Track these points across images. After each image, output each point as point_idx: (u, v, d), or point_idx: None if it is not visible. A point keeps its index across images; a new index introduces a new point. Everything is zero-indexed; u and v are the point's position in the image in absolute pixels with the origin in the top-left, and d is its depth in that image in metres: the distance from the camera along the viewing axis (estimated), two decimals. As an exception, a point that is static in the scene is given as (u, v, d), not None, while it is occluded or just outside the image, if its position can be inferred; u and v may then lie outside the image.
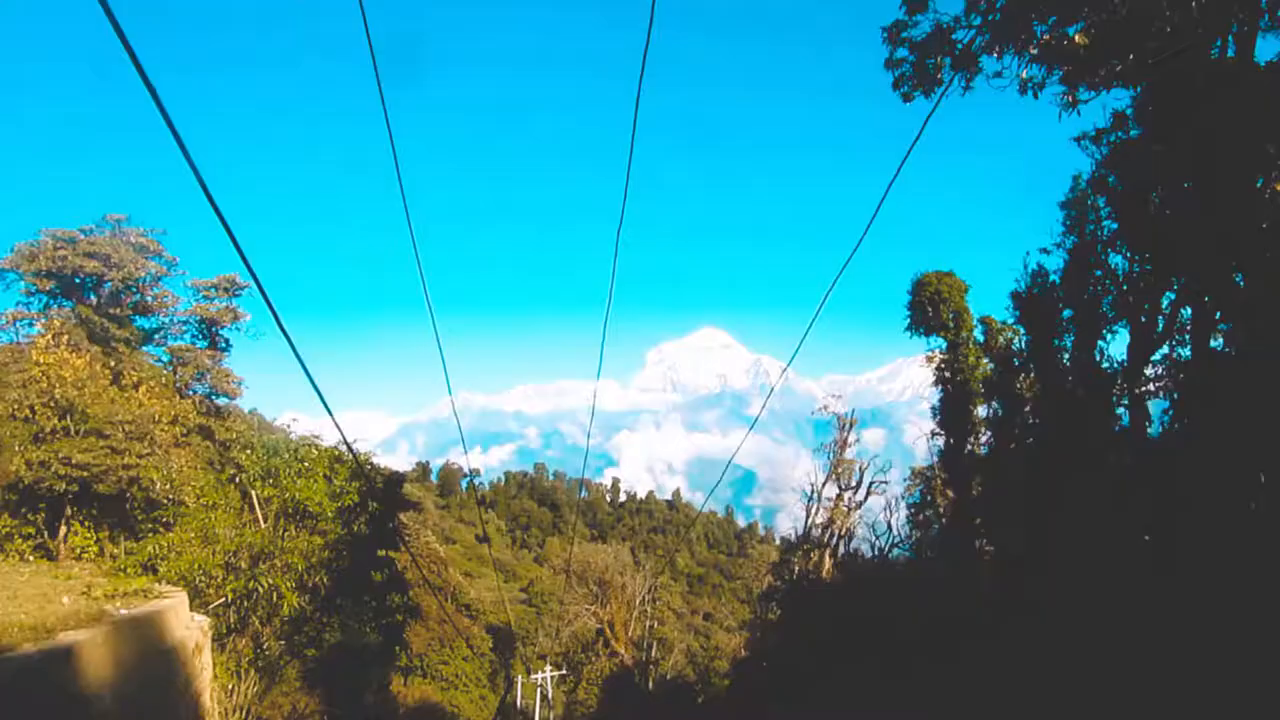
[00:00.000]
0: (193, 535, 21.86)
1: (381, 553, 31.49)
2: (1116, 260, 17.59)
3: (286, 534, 25.99)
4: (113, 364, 25.71)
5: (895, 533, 28.92)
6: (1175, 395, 15.97)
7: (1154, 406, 16.85)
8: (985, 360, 23.71)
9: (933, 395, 25.20)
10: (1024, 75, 14.06)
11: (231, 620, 22.32)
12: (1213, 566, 12.97)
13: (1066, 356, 18.62)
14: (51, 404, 19.54)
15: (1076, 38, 13.31)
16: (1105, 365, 17.77)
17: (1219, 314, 14.95)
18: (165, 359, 33.89)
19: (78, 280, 30.37)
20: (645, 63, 8.41)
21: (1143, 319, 16.88)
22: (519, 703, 51.71)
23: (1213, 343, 15.19)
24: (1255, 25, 12.91)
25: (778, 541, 62.36)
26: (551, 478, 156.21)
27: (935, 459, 25.65)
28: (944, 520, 25.64)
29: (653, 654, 50.46)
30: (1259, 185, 13.35)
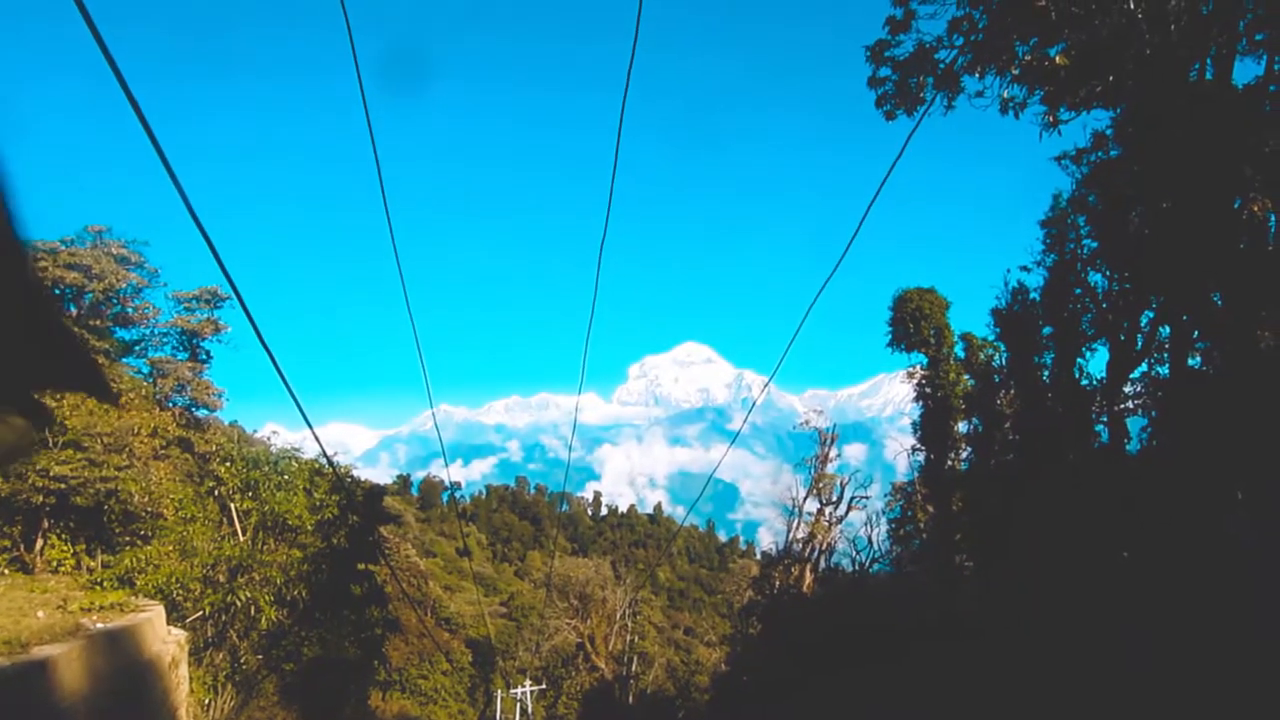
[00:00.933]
0: (171, 548, 21.67)
1: (361, 566, 31.32)
2: (1096, 278, 17.77)
3: (265, 547, 25.82)
4: (92, 375, 25.50)
5: (876, 547, 28.99)
6: (1154, 413, 16.11)
7: (1132, 424, 17.00)
8: (966, 376, 23.86)
9: (914, 411, 25.34)
10: (1005, 95, 14.21)
11: (209, 634, 22.16)
12: (1190, 581, 13.07)
13: (1046, 373, 18.76)
14: (29, 416, 19.38)
15: (1057, 59, 13.46)
16: (1084, 382, 17.91)
17: (1197, 333, 15.10)
18: (145, 371, 33.69)
19: (58, 291, 30.16)
20: (632, 66, 8.46)
21: (1122, 337, 17.03)
22: (498, 717, 51.43)
23: (1190, 361, 15.35)
24: (1233, 48, 13.09)
25: (759, 556, 62.33)
26: (533, 491, 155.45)
27: (916, 474, 25.77)
28: (924, 535, 25.73)
29: (633, 668, 50.29)
30: (1236, 206, 13.50)
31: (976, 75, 14.06)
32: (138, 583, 19.77)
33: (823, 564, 31.78)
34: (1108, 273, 17.34)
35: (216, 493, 27.25)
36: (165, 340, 34.96)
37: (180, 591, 20.83)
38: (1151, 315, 16.61)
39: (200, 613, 21.38)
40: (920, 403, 24.80)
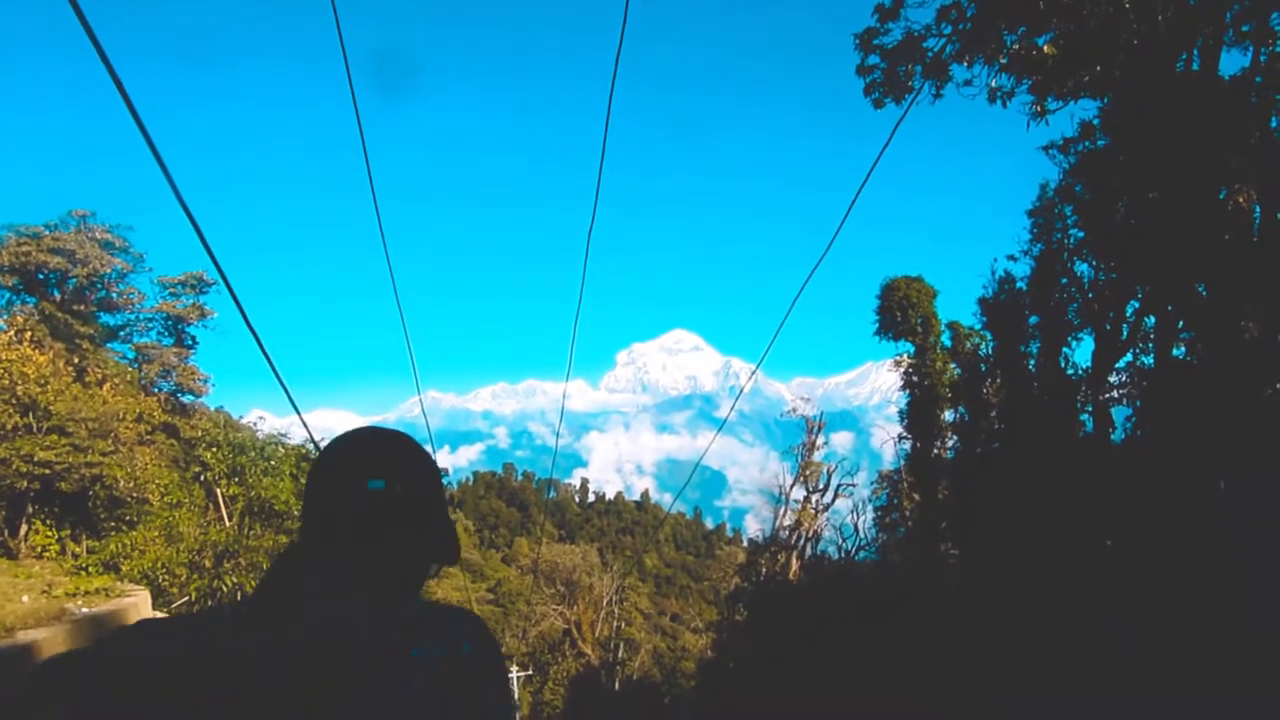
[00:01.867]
0: (156, 533, 21.63)
1: (348, 552, 31.26)
2: (1083, 268, 17.82)
3: (252, 532, 25.80)
4: (76, 361, 25.40)
5: (862, 535, 29.10)
6: (1138, 402, 16.20)
7: (1117, 413, 17.08)
8: (952, 365, 23.90)
9: (900, 399, 25.37)
10: (993, 84, 14.23)
11: (195, 619, 22.12)
12: (1176, 570, 13.16)
13: (1032, 363, 18.82)
14: (13, 401, 19.27)
15: (1045, 48, 13.47)
16: (1070, 372, 17.98)
17: (1181, 323, 15.19)
18: (130, 356, 33.52)
19: (41, 276, 29.95)
20: (620, 54, 8.44)
21: (1107, 327, 17.10)
22: (485, 703, 51.42)
23: (1175, 351, 15.44)
24: (1220, 40, 13.13)
25: (745, 543, 62.45)
26: (520, 478, 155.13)
27: (902, 462, 25.85)
28: (910, 523, 25.83)
29: (619, 655, 50.46)
30: (1222, 197, 13.57)
31: (965, 64, 14.06)
32: (123, 568, 19.73)
33: (809, 551, 31.90)
34: (1094, 263, 17.41)
35: (202, 478, 27.21)
36: (150, 325, 34.78)
37: (166, 577, 20.79)
38: (1137, 305, 16.67)
39: (186, 598, 21.35)
40: (907, 391, 24.84)
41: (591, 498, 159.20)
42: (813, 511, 32.29)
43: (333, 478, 1.88)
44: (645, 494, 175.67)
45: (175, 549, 21.58)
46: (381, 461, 1.90)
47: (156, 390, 32.69)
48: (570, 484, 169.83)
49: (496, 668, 1.92)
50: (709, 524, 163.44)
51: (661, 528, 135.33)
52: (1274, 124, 13.24)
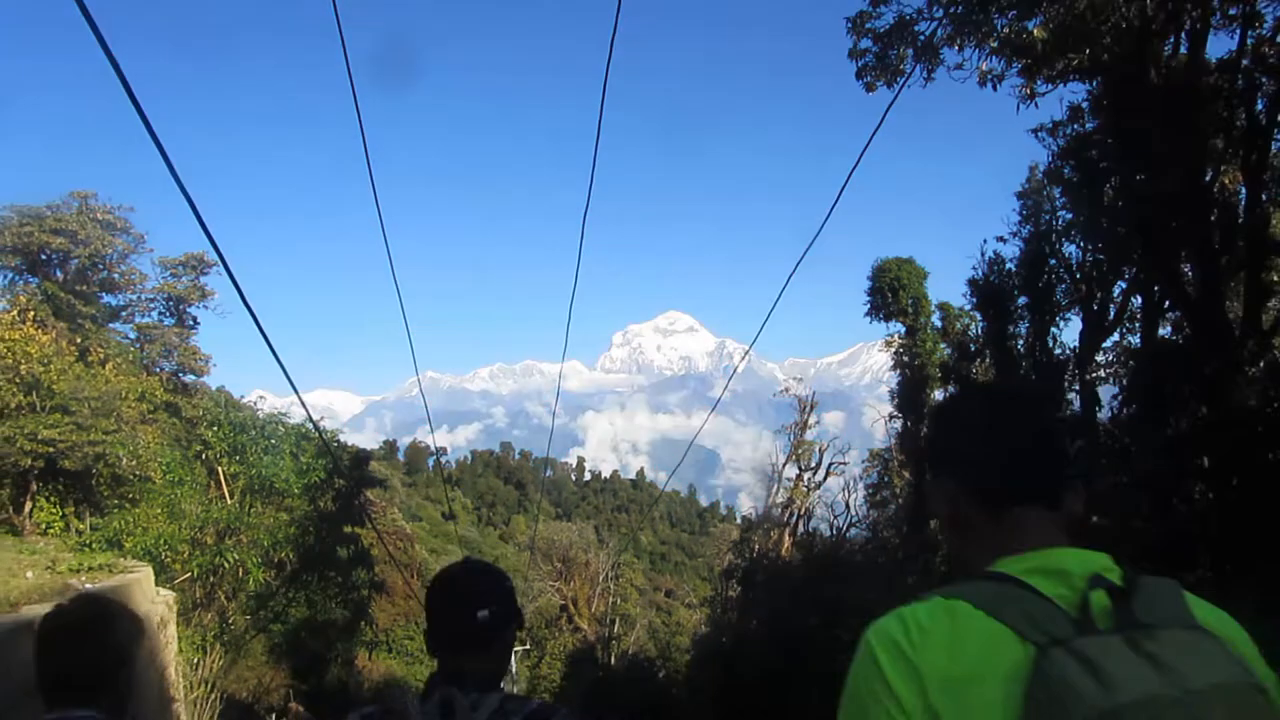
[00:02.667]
0: (159, 511, 21.85)
1: (348, 529, 31.58)
2: (1071, 249, 18.04)
3: (253, 510, 26.07)
4: (79, 340, 25.51)
5: (853, 512, 29.39)
6: (1124, 381, 16.43)
7: (1104, 392, 17.33)
8: (942, 345, 24.11)
9: (891, 379, 25.62)
10: (984, 68, 14.39)
11: (197, 595, 22.41)
12: (1160, 547, 13.41)
13: (1021, 343, 19.02)
14: (16, 380, 19.40)
15: (1035, 32, 13.63)
16: (1058, 351, 18.21)
17: (1167, 303, 15.42)
18: (132, 336, 33.58)
19: (43, 256, 29.94)
20: (614, 42, 8.63)
21: (1095, 307, 17.34)
22: (483, 678, 51.53)
23: (1161, 331, 15.69)
24: (1207, 23, 13.29)
25: (739, 520, 62.64)
26: (517, 457, 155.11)
27: (893, 441, 26.10)
28: (900, 500, 26.10)
29: (615, 630, 50.72)
30: (1208, 179, 13.76)
31: (956, 48, 14.20)
32: (126, 545, 19.91)
33: (801, 528, 32.13)
34: (1082, 244, 17.62)
35: (204, 456, 27.42)
36: (152, 306, 34.74)
37: (168, 553, 21.01)
38: (1124, 286, 16.92)
39: (188, 574, 21.61)
40: (898, 371, 25.05)
41: (588, 476, 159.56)
42: (805, 489, 32.55)
43: (451, 611, 2.74)
44: (640, 472, 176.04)
45: (177, 526, 21.81)
46: (485, 594, 2.74)
47: (158, 370, 32.81)
48: (567, 463, 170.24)
49: None
50: (703, 502, 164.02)
51: (656, 505, 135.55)
52: (1260, 106, 13.45)
